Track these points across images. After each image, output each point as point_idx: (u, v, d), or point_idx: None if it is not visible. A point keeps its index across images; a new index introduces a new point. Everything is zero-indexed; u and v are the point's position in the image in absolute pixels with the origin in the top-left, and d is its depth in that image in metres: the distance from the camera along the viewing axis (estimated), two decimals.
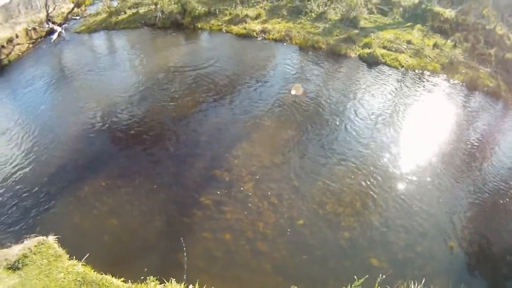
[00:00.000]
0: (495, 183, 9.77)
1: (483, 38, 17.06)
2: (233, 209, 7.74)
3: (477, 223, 8.50)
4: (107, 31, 17.76)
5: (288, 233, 7.35)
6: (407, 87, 13.36)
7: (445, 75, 14.21)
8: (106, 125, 10.47)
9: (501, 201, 9.32)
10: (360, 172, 8.91)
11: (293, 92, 12.29)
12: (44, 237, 6.76)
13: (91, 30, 17.87)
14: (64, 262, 6.42)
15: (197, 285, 6.08)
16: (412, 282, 5.90)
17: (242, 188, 8.22)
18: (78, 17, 20.06)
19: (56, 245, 6.69)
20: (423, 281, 5.96)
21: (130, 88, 12.39)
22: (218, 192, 8.17)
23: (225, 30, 17.22)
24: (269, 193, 8.14)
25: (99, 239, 7.21)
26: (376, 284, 5.80)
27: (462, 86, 13.75)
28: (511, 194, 9.55)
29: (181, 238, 6.23)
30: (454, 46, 16.65)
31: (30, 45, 16.08)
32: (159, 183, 8.52)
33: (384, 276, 5.86)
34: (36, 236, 6.76)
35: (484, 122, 12.40)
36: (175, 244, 7.13)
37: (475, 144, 11.01)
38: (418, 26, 18.35)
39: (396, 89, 13.15)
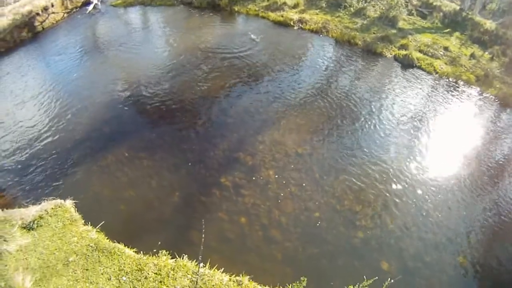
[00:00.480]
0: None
1: None
2: (252, 193, 7.72)
3: (492, 244, 8.31)
4: (143, 7, 17.67)
5: (303, 224, 7.24)
6: (440, 94, 13.07)
7: (478, 88, 13.86)
8: (135, 98, 10.50)
9: None
10: (384, 174, 8.76)
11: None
12: (62, 201, 6.85)
13: (127, 4, 17.80)
14: (79, 227, 6.50)
15: (208, 264, 6.01)
16: None
17: (263, 174, 8.21)
18: None
19: (72, 209, 6.79)
20: None
21: (162, 64, 12.37)
22: (239, 175, 8.18)
23: (262, 16, 16.89)
24: (290, 182, 8.11)
25: (116, 208, 7.28)
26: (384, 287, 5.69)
27: (495, 101, 13.38)
28: None
29: (202, 220, 6.18)
30: (492, 59, 16.08)
31: (65, 15, 16.09)
32: (181, 159, 8.56)
33: (392, 281, 5.73)
34: (54, 199, 6.83)
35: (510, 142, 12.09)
36: (190, 221, 7.22)
37: (502, 162, 10.76)
38: (457, 34, 17.85)
39: (428, 94, 12.90)
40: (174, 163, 8.40)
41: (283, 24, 16.31)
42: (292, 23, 16.28)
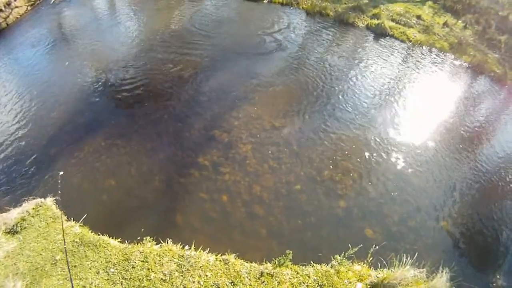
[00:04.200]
0: (492, 166, 9.82)
1: (494, 23, 16.78)
2: (231, 170, 7.77)
3: (471, 203, 8.60)
4: None
5: (284, 197, 7.35)
6: (413, 62, 13.29)
7: (452, 55, 14.05)
8: (106, 86, 10.30)
9: (497, 184, 9.40)
10: (361, 142, 8.90)
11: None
12: (42, 199, 6.79)
13: None
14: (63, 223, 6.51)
15: (193, 245, 6.13)
16: (405, 256, 5.93)
17: (241, 150, 8.24)
18: None
19: (54, 207, 6.72)
20: (415, 256, 5.98)
21: (131, 49, 12.12)
22: (217, 153, 8.20)
23: None
24: (268, 156, 8.17)
25: (98, 200, 7.29)
26: (369, 255, 5.89)
27: (469, 68, 13.55)
28: (508, 178, 9.57)
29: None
30: (465, 27, 16.45)
31: (29, 7, 15.26)
32: (158, 142, 8.54)
33: (377, 248, 5.91)
34: (34, 199, 6.77)
35: (486, 106, 12.36)
36: (172, 205, 7.29)
37: (476, 126, 11.08)
38: (430, 3, 18.09)
39: (402, 62, 13.05)
40: (152, 147, 8.37)
41: None
42: None
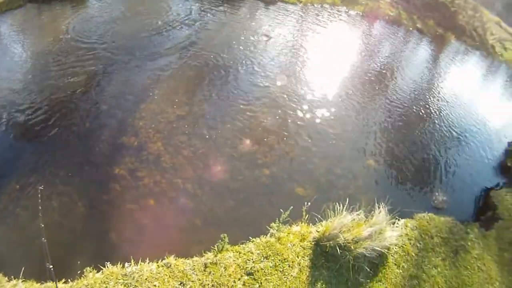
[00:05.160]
0: (404, 98, 10.35)
1: None
2: (149, 172, 7.50)
3: (393, 136, 9.05)
4: None
5: (208, 183, 7.23)
6: (310, 20, 13.38)
7: (345, 7, 14.33)
8: (6, 122, 9.26)
9: (412, 111, 9.96)
10: (269, 108, 8.94)
11: None
12: None
13: None
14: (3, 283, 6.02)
15: (132, 260, 5.91)
16: (338, 204, 6.05)
17: (152, 149, 7.96)
18: None
19: None
20: (351, 200, 6.15)
21: (25, 75, 10.92)
22: (130, 160, 7.85)
23: None
24: (181, 147, 7.97)
25: (31, 248, 6.71)
26: (304, 212, 5.96)
27: (364, 16, 14.02)
28: (421, 103, 10.14)
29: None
30: None
31: None
32: (70, 167, 7.96)
33: (309, 204, 5.99)
34: None
35: (388, 46, 12.90)
36: (102, 225, 6.92)
37: (382, 66, 11.58)
38: None
39: (299, 22, 13.09)
40: (65, 174, 7.81)
41: None
42: None
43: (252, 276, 5.33)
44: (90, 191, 7.62)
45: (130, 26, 12.48)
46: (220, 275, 5.29)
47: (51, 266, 4.86)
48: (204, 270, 5.52)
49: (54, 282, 5.23)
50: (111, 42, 11.69)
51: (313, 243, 5.93)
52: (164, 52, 11.15)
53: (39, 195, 5.48)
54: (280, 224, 5.85)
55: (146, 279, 5.68)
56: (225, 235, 5.56)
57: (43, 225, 5.44)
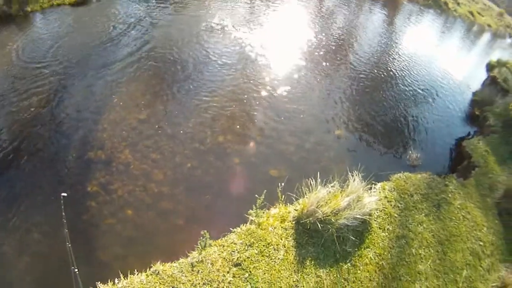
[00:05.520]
0: (365, 62, 10.41)
1: None
2: (121, 183, 7.38)
3: (358, 102, 9.08)
4: None
5: (182, 182, 7.15)
6: (257, 3, 13.10)
7: None
8: None
9: (376, 75, 10.01)
10: (231, 95, 8.88)
11: None
12: None
13: None
14: None
15: (121, 275, 5.81)
16: (312, 179, 6.05)
17: (120, 159, 7.80)
18: None
19: None
20: (321, 175, 6.16)
21: None
22: (101, 174, 7.67)
23: (57, 4, 14.63)
24: (148, 151, 7.85)
25: None
26: (279, 193, 5.94)
27: None
28: (378, 73, 10.21)
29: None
30: None
31: None
32: (44, 194, 7.71)
33: (283, 184, 5.97)
34: None
35: (341, 17, 13.04)
36: (87, 247, 6.74)
37: (338, 38, 11.57)
38: None
39: (248, 7, 12.86)
40: (42, 202, 7.57)
41: (82, 2, 14.58)
42: None
43: (240, 266, 5.31)
44: (68, 214, 7.40)
45: (80, 38, 12.14)
46: (209, 272, 5.25)
47: (76, 270, 4.89)
48: (192, 270, 5.46)
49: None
50: (64, 57, 11.35)
51: (293, 222, 5.93)
52: (119, 58, 10.90)
53: (62, 202, 5.74)
54: (258, 209, 5.80)
55: None
56: (206, 231, 5.50)
57: (67, 231, 5.60)
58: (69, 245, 5.00)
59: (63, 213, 5.42)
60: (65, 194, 5.90)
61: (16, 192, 7.94)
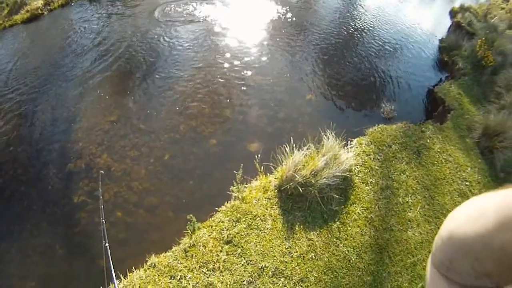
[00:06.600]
0: (327, 31, 10.55)
1: None
2: (106, 187, 7.40)
3: (326, 70, 9.18)
4: None
5: (164, 174, 7.18)
6: None
7: None
8: None
9: (339, 43, 10.09)
10: (197, 79, 8.78)
11: None
12: None
13: None
14: None
15: (121, 276, 5.87)
16: (286, 145, 6.15)
17: (100, 164, 7.80)
18: None
19: None
20: (295, 140, 6.25)
21: None
22: (85, 182, 7.68)
23: (10, 25, 14.27)
24: (125, 150, 7.85)
25: None
26: (257, 165, 6.00)
27: None
28: (343, 34, 10.27)
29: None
30: None
31: None
32: (33, 216, 7.73)
33: (259, 155, 6.03)
34: None
35: None
36: (87, 259, 6.76)
37: (296, 6, 11.48)
38: None
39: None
40: (32, 225, 7.59)
41: (33, 18, 14.24)
42: (40, 11, 14.23)
43: (232, 243, 5.40)
44: (60, 231, 7.46)
45: (40, 55, 11.99)
46: (202, 254, 5.33)
47: (107, 244, 4.94)
48: (186, 256, 5.54)
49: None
50: (27, 77, 11.19)
51: (275, 191, 6.00)
52: (81, 66, 10.79)
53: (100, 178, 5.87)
54: (239, 185, 5.87)
55: (139, 287, 5.67)
56: (192, 215, 5.56)
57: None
58: (103, 220, 5.07)
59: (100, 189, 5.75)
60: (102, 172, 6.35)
61: (4, 221, 7.94)
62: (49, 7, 14.37)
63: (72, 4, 14.72)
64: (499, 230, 0.62)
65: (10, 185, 8.62)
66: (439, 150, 7.68)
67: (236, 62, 9.63)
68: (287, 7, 12.33)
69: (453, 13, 16.65)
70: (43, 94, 10.26)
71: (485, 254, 0.64)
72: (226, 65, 9.58)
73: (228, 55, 10.06)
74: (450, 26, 15.35)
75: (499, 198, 0.68)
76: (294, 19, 11.70)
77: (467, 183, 7.11)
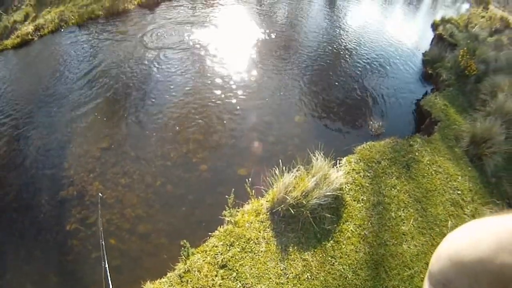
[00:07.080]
0: (312, 52, 10.69)
1: None
2: (97, 215, 7.30)
3: (313, 90, 9.29)
4: None
5: (156, 200, 7.20)
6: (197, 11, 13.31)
7: None
8: None
9: (325, 63, 10.29)
10: (188, 103, 8.91)
11: None
12: None
13: None
14: None
15: None
16: (276, 167, 6.18)
17: (92, 191, 7.79)
18: None
19: None
20: (286, 162, 6.34)
21: None
22: (76, 210, 7.67)
23: None
24: (116, 177, 7.85)
25: None
26: (248, 189, 6.06)
27: None
28: (328, 53, 10.46)
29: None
30: None
31: None
32: (26, 245, 7.65)
33: (250, 179, 6.09)
34: None
35: (280, 8, 13.20)
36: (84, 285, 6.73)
37: (281, 29, 11.77)
38: None
39: (186, 15, 13.00)
40: (25, 255, 7.53)
41: (24, 44, 14.20)
42: (30, 37, 14.20)
43: (226, 267, 5.41)
44: (54, 259, 7.41)
45: (30, 81, 11.97)
46: (198, 279, 5.33)
47: (107, 265, 5.08)
48: (181, 281, 5.53)
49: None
50: (17, 104, 11.20)
51: (268, 214, 6.05)
52: (72, 93, 10.81)
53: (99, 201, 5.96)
54: (231, 209, 5.92)
55: None
56: (185, 241, 5.59)
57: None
58: (103, 242, 5.08)
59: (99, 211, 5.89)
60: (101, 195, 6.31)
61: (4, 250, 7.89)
62: (39, 33, 14.39)
63: (62, 30, 14.75)
64: (498, 253, 0.67)
65: (2, 212, 8.58)
66: (428, 162, 7.77)
67: (226, 86, 9.76)
68: (275, 30, 12.56)
69: (435, 26, 17.05)
70: (34, 120, 10.26)
71: (484, 276, 0.68)
72: (215, 90, 9.70)
73: (218, 80, 10.18)
74: (433, 38, 15.71)
75: (498, 222, 0.73)
76: (282, 42, 11.93)
77: (459, 192, 7.19)
